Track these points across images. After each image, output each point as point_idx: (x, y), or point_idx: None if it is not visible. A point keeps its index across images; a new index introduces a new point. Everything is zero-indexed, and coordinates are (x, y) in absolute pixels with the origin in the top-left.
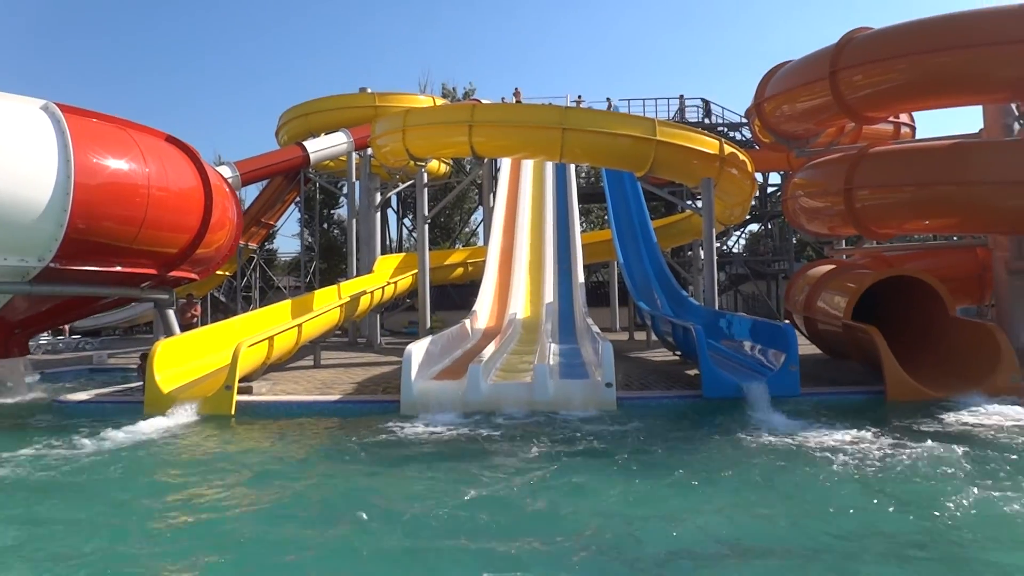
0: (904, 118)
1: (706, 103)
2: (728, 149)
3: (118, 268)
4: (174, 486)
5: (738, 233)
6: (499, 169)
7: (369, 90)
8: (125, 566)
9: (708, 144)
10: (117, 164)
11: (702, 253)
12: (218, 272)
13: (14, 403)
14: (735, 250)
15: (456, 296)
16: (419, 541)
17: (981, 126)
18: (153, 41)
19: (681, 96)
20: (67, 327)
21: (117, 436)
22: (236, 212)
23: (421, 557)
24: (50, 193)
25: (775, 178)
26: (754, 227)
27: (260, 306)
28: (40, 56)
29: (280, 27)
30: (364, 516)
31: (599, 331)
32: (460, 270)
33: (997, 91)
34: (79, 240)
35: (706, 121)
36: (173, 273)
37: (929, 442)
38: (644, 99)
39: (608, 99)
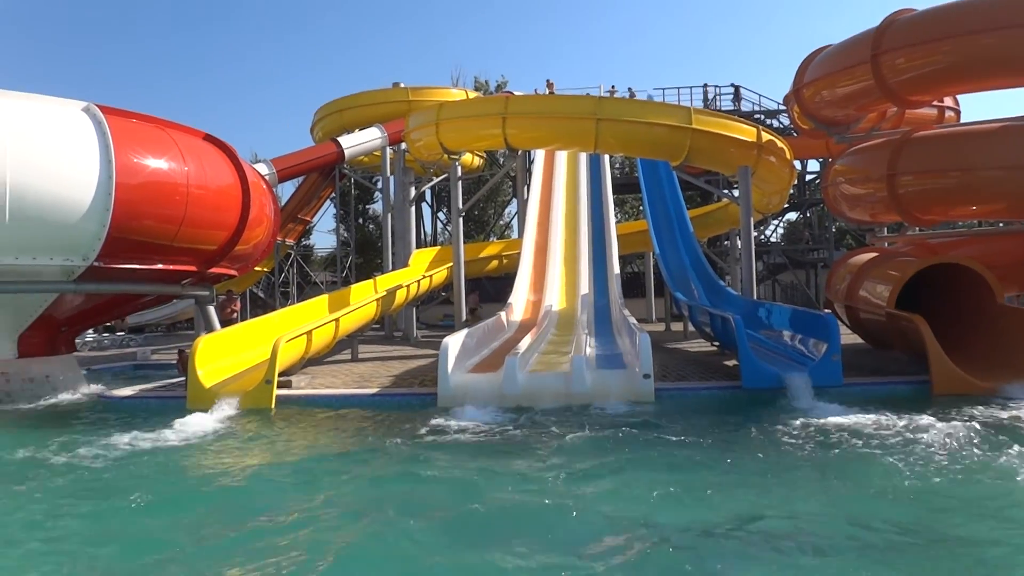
0: (948, 102)
1: (736, 89)
2: (766, 136)
3: (159, 266)
4: (215, 480)
5: (776, 222)
6: (533, 161)
7: (402, 85)
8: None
9: (745, 132)
10: (157, 163)
11: (739, 242)
12: (256, 268)
13: (63, 400)
14: (773, 239)
15: (491, 289)
16: (454, 539)
17: None
18: (186, 40)
19: (705, 85)
20: (117, 324)
21: (164, 433)
22: (273, 209)
23: (455, 555)
24: (92, 193)
25: (813, 165)
26: (792, 216)
27: (297, 301)
28: (64, 61)
29: (313, 24)
30: (394, 512)
31: (635, 322)
32: (495, 263)
33: None
34: (121, 239)
35: (741, 108)
36: (213, 270)
37: (978, 435)
38: (678, 88)
39: (630, 89)
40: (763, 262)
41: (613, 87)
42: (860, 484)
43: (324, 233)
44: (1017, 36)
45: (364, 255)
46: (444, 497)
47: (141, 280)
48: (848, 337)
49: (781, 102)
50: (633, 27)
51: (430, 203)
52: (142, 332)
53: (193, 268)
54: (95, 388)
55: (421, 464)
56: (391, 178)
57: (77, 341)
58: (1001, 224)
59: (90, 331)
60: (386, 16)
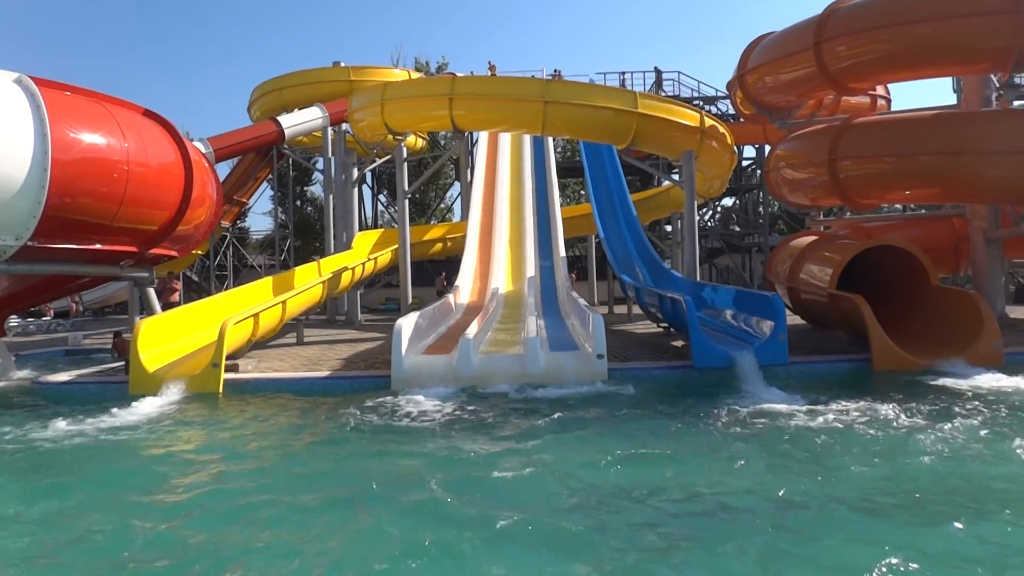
0: (880, 91)
1: (677, 75)
2: (709, 122)
3: (98, 246)
4: (173, 465)
5: (712, 206)
6: (476, 144)
7: (343, 64)
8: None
9: (689, 116)
10: (95, 139)
11: (680, 226)
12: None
13: None
14: (710, 224)
15: (434, 273)
16: (416, 518)
17: (954, 100)
18: (112, 14)
19: (657, 69)
20: (51, 308)
21: (108, 419)
22: (216, 188)
23: (417, 532)
24: (27, 169)
25: (750, 152)
26: (727, 201)
27: (234, 285)
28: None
29: (247, 2)
30: (354, 492)
31: (585, 303)
32: (439, 245)
33: (978, 61)
34: (57, 218)
35: (680, 95)
36: (153, 251)
37: (914, 406)
38: (621, 72)
39: (556, 71)
40: (701, 246)
41: (557, 70)
42: (795, 451)
43: (260, 215)
44: (952, 26)
45: (303, 238)
46: (407, 471)
47: (79, 261)
48: (790, 319)
49: (725, 88)
50: (575, 7)
51: (371, 185)
52: (68, 317)
53: (133, 249)
54: (25, 374)
55: (380, 442)
56: (332, 159)
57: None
58: (924, 211)
59: (14, 316)
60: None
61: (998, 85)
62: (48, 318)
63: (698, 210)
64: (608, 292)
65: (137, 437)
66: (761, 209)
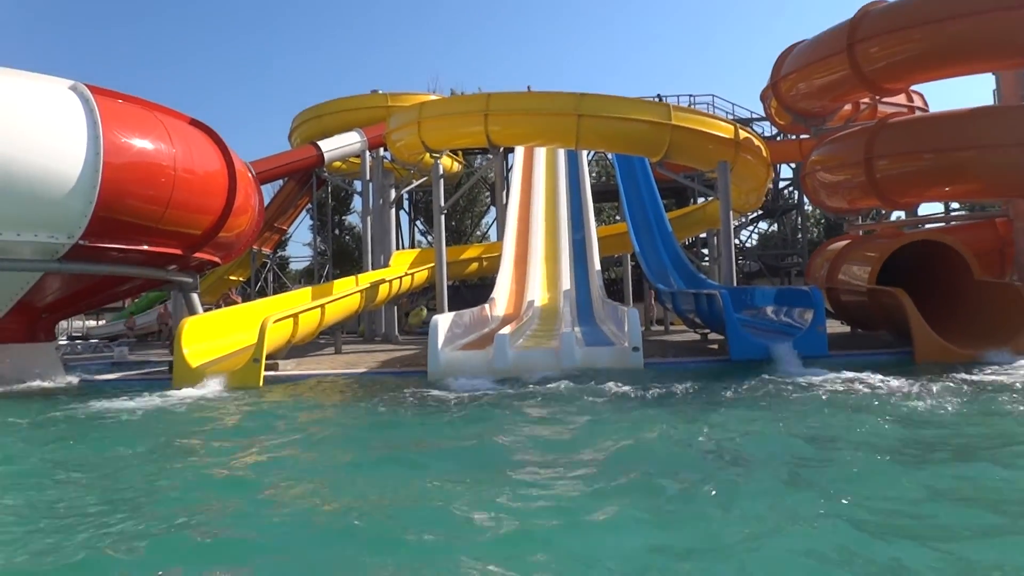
0: (918, 101)
1: (694, 100)
2: (743, 134)
3: (145, 247)
4: (209, 439)
5: (750, 229)
6: (511, 167)
7: (380, 91)
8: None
9: (723, 128)
10: (144, 144)
11: (716, 241)
12: (231, 277)
13: (44, 386)
14: (748, 246)
15: (470, 297)
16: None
17: (992, 102)
18: (152, 42)
19: (691, 95)
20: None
21: (153, 400)
22: (258, 200)
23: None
24: (79, 170)
25: (786, 172)
26: (764, 225)
27: None
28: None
29: (286, 33)
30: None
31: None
32: (475, 265)
33: (1014, 56)
34: (107, 218)
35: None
36: (197, 255)
37: (953, 387)
38: (656, 96)
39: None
40: (739, 268)
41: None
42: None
43: (300, 245)
44: (985, 22)
45: (341, 267)
46: (445, 439)
47: (127, 262)
48: (832, 325)
49: (759, 98)
50: (610, 39)
51: (408, 211)
52: (115, 340)
53: (178, 252)
54: (73, 377)
55: (418, 415)
56: (370, 183)
57: None
58: (965, 212)
59: (63, 338)
60: (359, 25)
61: None
62: (95, 341)
63: (736, 233)
64: (645, 314)
65: (183, 412)
66: (800, 231)
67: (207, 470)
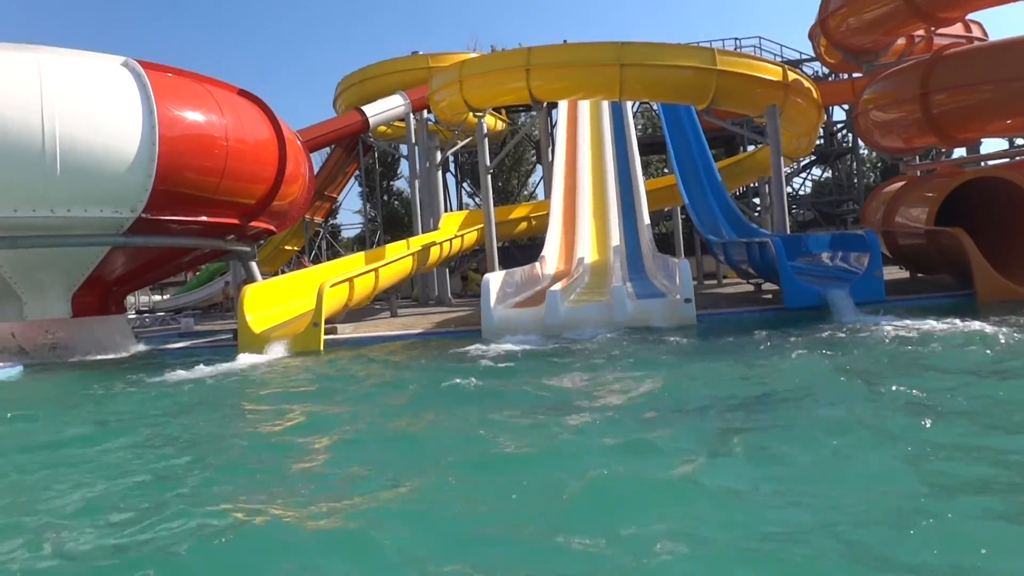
0: (976, 31)
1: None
2: (792, 75)
3: (203, 218)
4: (277, 402)
5: (803, 176)
6: (555, 124)
7: (421, 52)
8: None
9: (771, 71)
10: (196, 116)
11: (767, 189)
12: (286, 247)
13: (119, 358)
14: (801, 194)
15: (520, 258)
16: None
17: None
18: (193, 21)
19: (736, 39)
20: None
21: (221, 367)
22: (308, 167)
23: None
24: (137, 144)
25: (839, 115)
26: (817, 172)
27: None
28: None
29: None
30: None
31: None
32: (524, 224)
33: None
34: (166, 191)
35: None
36: (253, 223)
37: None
38: (700, 42)
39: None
40: (792, 217)
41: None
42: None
43: (350, 212)
44: None
45: (392, 232)
46: (507, 389)
47: (187, 233)
48: (890, 273)
49: (807, 37)
50: None
51: (454, 173)
52: (180, 313)
53: (235, 221)
54: (145, 347)
55: (478, 370)
56: (416, 147)
57: None
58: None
59: (131, 312)
60: None
61: None
62: (162, 313)
63: (788, 180)
64: (697, 267)
65: (251, 377)
66: (856, 176)
67: (272, 433)
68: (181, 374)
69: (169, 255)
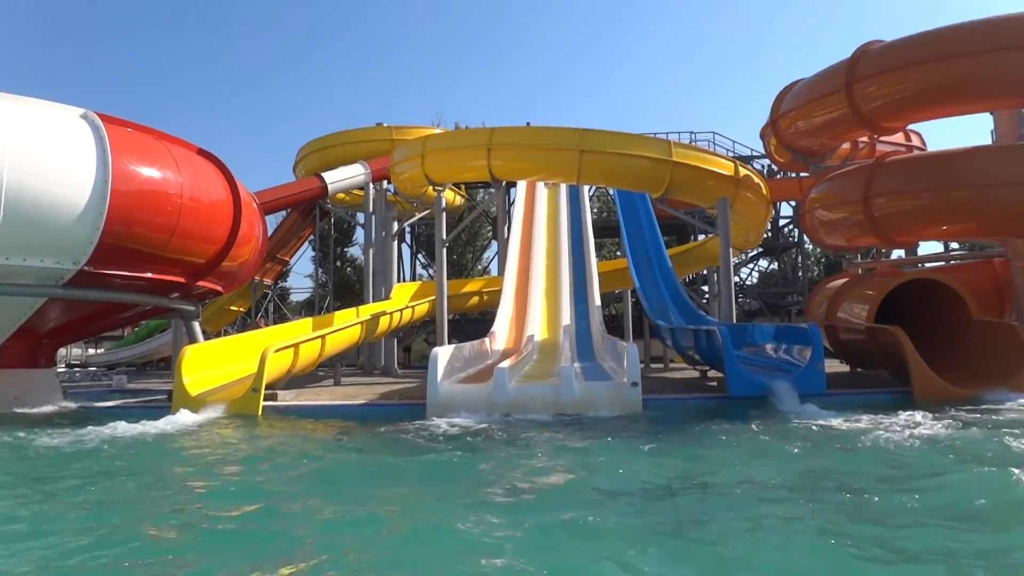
0: (915, 140)
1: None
2: (743, 171)
3: (149, 275)
4: (202, 472)
5: (750, 267)
6: (513, 203)
7: (385, 124)
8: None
9: (723, 165)
10: (152, 172)
11: (716, 278)
12: (231, 307)
13: (42, 413)
14: (748, 283)
15: (470, 331)
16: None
17: (990, 141)
18: (162, 80)
19: (691, 132)
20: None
21: (150, 428)
22: (263, 230)
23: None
24: (88, 196)
25: (786, 210)
26: (764, 263)
27: None
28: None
29: (293, 70)
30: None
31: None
32: (476, 299)
33: (1009, 96)
34: (113, 245)
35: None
36: (200, 283)
37: (953, 420)
38: (655, 134)
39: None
40: (739, 306)
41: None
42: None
43: (301, 276)
44: (980, 63)
45: (342, 299)
46: (443, 469)
47: (130, 289)
48: (832, 365)
49: (759, 136)
50: (607, 77)
51: (410, 244)
52: (113, 369)
53: (181, 280)
54: (72, 404)
55: (404, 458)
56: (373, 216)
57: None
58: (964, 251)
59: (61, 366)
60: (365, 67)
61: None
62: (94, 369)
63: (736, 270)
64: (645, 350)
65: (179, 442)
66: (800, 269)
67: (193, 502)
68: (104, 434)
69: (109, 310)
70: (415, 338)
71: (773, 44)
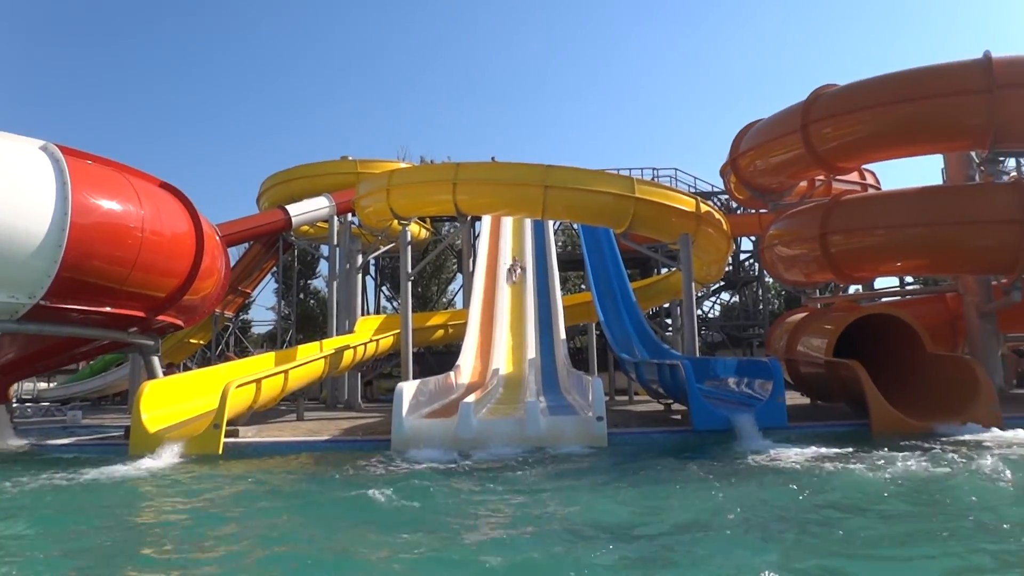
0: (870, 179)
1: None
2: (704, 207)
3: (107, 309)
4: (161, 517)
5: (712, 300)
6: (478, 236)
7: (350, 157)
8: None
9: (685, 202)
10: (112, 205)
11: (679, 311)
12: (192, 341)
13: None
14: (711, 316)
15: (435, 364)
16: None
17: (941, 181)
18: (129, 113)
19: (654, 168)
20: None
21: (105, 470)
22: (225, 263)
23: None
24: (46, 229)
25: (747, 245)
26: (726, 296)
27: None
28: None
29: (256, 101)
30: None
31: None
32: (441, 332)
33: (957, 139)
34: (71, 279)
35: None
36: (160, 317)
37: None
38: (618, 170)
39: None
40: (701, 338)
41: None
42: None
43: (264, 308)
44: (930, 107)
45: (305, 331)
46: (407, 508)
47: (88, 324)
48: (792, 398)
49: (719, 173)
50: (573, 110)
51: (374, 277)
52: (67, 403)
53: (141, 314)
54: (23, 442)
55: (381, 482)
56: (337, 249)
57: None
58: (919, 285)
59: (13, 401)
60: (329, 96)
61: (979, 161)
62: (47, 404)
63: (698, 304)
64: (610, 383)
65: (124, 487)
66: (761, 302)
67: (139, 547)
68: (56, 476)
69: (66, 345)
70: (373, 375)
71: (733, 84)
